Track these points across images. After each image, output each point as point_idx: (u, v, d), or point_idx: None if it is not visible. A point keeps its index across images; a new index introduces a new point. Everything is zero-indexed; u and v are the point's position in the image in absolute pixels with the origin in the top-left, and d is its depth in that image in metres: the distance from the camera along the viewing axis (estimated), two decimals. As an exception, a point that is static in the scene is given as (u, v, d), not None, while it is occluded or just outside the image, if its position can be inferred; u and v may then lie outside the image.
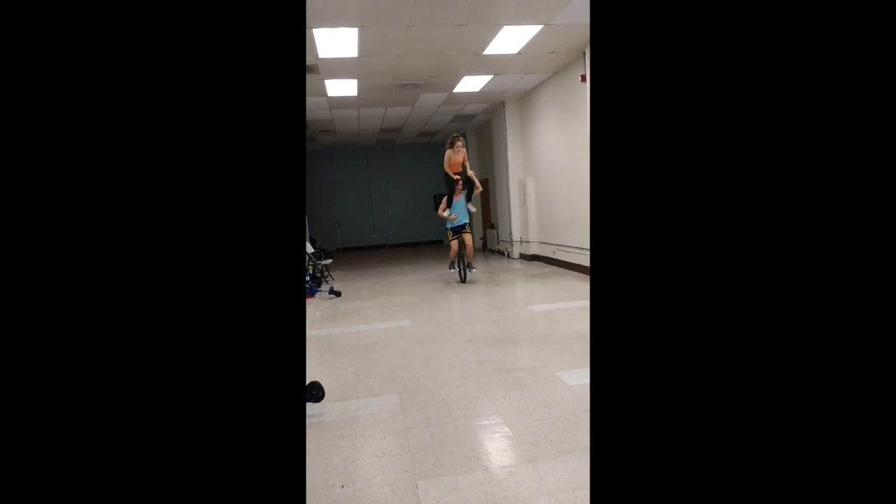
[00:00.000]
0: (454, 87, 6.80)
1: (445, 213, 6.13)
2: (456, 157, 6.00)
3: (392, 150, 12.09)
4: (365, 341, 3.74)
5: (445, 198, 6.17)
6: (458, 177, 5.96)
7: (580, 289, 5.23)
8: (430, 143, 11.65)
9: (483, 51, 5.30)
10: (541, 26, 4.69)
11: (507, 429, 2.15)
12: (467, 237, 6.02)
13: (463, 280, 6.13)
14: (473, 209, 6.31)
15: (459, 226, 6.05)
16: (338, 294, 5.72)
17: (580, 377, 2.65)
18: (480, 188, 6.19)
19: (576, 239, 6.28)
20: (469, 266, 6.14)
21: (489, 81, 6.62)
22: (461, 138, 6.02)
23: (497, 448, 1.99)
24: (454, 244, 6.13)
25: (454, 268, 6.27)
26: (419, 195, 12.31)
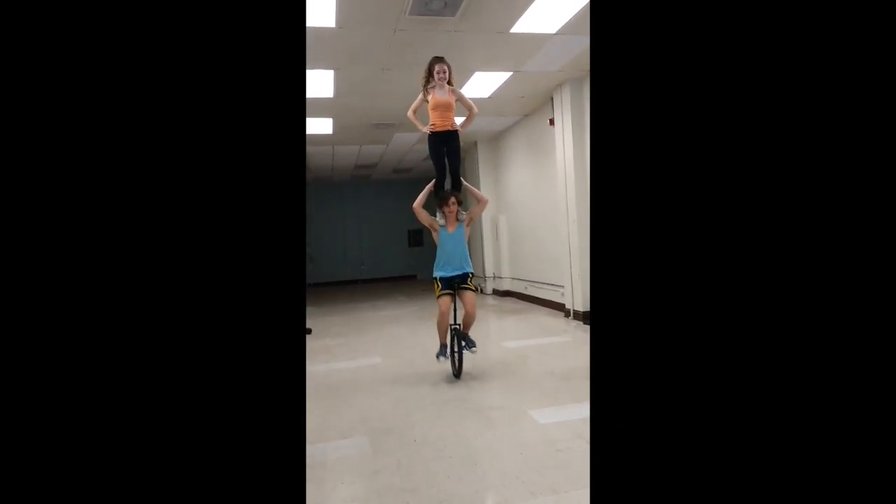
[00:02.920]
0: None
1: (437, 218, 3.44)
2: (439, 95, 3.24)
3: (367, 185, 12.18)
4: (335, 380, 3.66)
5: (427, 188, 3.49)
6: (445, 200, 3.33)
7: (552, 325, 5.28)
8: (406, 179, 11.79)
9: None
10: (510, 73, 4.91)
11: (478, 470, 2.12)
12: (468, 296, 3.32)
13: (457, 374, 3.45)
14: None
15: (456, 276, 3.35)
16: (308, 331, 5.61)
17: (551, 415, 2.65)
18: (484, 197, 3.65)
19: (547, 275, 6.38)
20: (467, 342, 3.38)
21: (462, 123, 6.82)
22: (443, 60, 3.28)
23: (468, 490, 1.96)
24: (443, 304, 3.29)
25: (444, 354, 3.41)
26: (393, 230, 12.35)
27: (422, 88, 3.35)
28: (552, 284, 6.19)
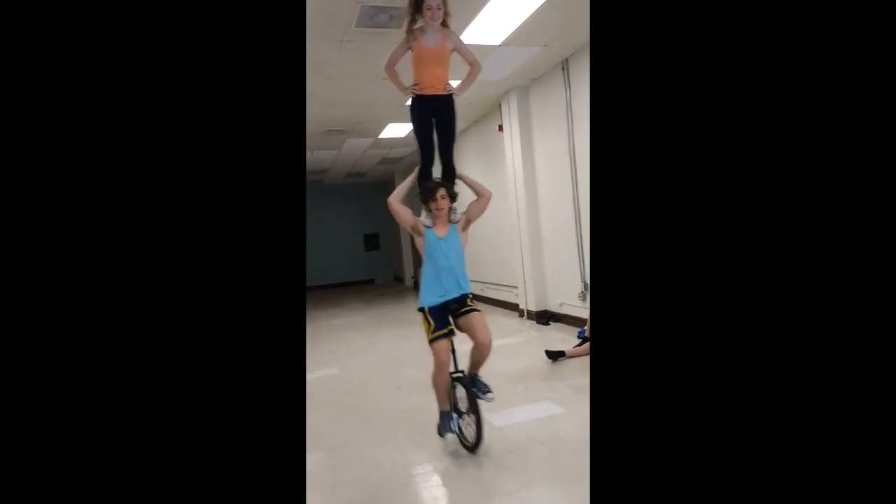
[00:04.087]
0: (380, 133, 6.98)
1: (422, 218, 2.35)
2: (428, 42, 2.27)
3: (320, 191, 12.00)
4: (292, 394, 3.62)
5: (410, 178, 2.39)
6: (431, 193, 2.27)
7: (508, 325, 5.42)
8: (359, 184, 11.71)
9: (407, 101, 5.52)
10: (458, 81, 4.99)
11: (437, 477, 2.18)
12: (476, 319, 2.28)
13: (473, 446, 2.32)
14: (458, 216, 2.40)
15: (451, 302, 2.31)
16: (263, 344, 5.49)
17: (506, 418, 2.75)
18: (486, 191, 2.43)
19: (501, 277, 6.53)
20: (479, 388, 2.35)
21: (413, 128, 6.87)
22: None
23: (428, 499, 2.02)
24: (442, 352, 2.23)
25: (452, 426, 2.34)
26: (348, 235, 12.25)
27: (405, 31, 2.26)
28: (506, 286, 6.34)
